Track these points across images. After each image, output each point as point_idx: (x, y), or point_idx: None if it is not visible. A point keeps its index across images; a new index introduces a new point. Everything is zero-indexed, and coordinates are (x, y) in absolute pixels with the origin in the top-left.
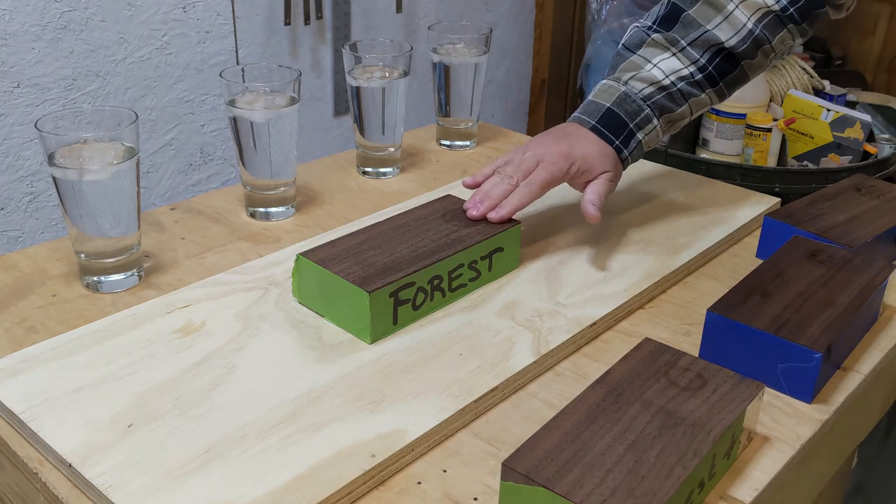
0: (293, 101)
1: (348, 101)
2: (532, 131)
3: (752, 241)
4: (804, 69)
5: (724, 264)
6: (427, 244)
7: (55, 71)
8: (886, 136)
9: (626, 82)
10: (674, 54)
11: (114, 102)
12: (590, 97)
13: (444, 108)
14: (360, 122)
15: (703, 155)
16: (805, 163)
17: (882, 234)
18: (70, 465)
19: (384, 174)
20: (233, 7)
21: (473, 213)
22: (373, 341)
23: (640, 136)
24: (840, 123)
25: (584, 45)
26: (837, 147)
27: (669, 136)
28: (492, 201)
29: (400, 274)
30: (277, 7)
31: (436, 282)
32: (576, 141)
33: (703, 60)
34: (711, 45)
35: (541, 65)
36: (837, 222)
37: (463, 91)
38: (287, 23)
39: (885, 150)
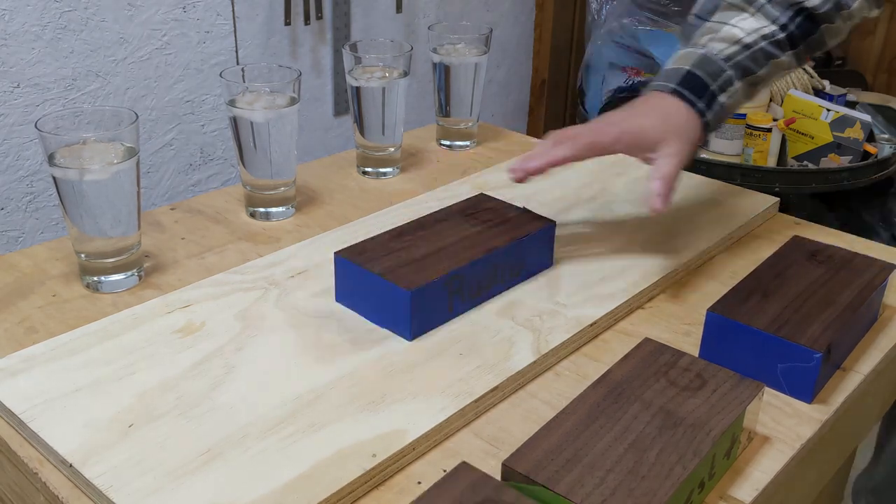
0: (293, 101)
1: (348, 101)
2: (532, 131)
3: (752, 241)
4: (804, 69)
5: (724, 264)
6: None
7: (55, 71)
8: (886, 136)
9: (704, 45)
10: (752, 14)
11: (114, 102)
12: (666, 66)
13: (444, 108)
14: (360, 122)
15: (703, 155)
16: (805, 163)
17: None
18: (70, 465)
19: (384, 174)
20: (233, 7)
21: (512, 176)
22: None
23: (722, 98)
24: (840, 123)
25: (584, 45)
26: (837, 147)
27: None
28: (528, 157)
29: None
30: (277, 7)
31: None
32: (633, 113)
33: (783, 19)
34: (792, 4)
35: (541, 65)
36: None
37: (463, 91)
38: (287, 23)
39: (885, 150)
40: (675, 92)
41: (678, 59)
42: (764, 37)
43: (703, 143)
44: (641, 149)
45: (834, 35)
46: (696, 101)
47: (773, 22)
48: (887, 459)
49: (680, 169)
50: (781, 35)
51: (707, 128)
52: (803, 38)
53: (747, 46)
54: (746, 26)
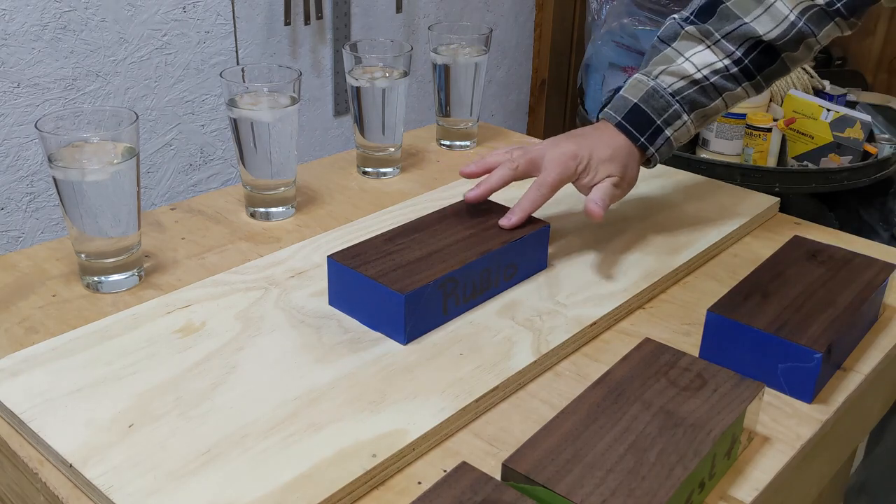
0: (293, 101)
1: (348, 101)
2: (532, 131)
3: (752, 241)
4: (804, 69)
5: (724, 264)
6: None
7: (55, 71)
8: (886, 136)
9: (655, 77)
10: (708, 47)
11: (114, 102)
12: (620, 92)
13: (444, 108)
14: (360, 122)
15: (703, 155)
16: (805, 163)
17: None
18: (71, 466)
19: (384, 174)
20: (233, 7)
21: (470, 195)
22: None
23: (668, 132)
24: (840, 123)
25: (584, 45)
26: (837, 147)
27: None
28: (488, 185)
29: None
30: (277, 7)
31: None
32: (586, 141)
33: (738, 53)
34: (748, 38)
35: (541, 65)
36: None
37: (463, 91)
38: (287, 23)
39: (885, 150)
40: (619, 125)
41: (630, 87)
42: (716, 71)
43: (657, 163)
44: (593, 178)
45: (798, 61)
46: (639, 136)
47: (728, 56)
48: (877, 458)
49: (614, 194)
50: (735, 69)
51: (651, 161)
52: (760, 69)
53: (696, 82)
54: (699, 61)
